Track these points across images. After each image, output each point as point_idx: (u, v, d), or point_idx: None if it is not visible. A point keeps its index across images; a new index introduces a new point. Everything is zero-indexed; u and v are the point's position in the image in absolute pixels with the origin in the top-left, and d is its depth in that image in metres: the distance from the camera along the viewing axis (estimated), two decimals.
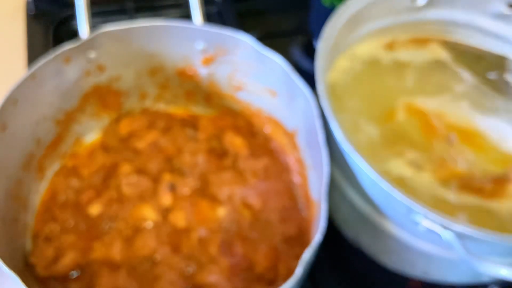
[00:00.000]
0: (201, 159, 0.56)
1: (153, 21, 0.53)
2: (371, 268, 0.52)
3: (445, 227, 0.41)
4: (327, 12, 0.56)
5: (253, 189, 0.54)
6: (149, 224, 0.51)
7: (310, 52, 0.73)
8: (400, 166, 0.50)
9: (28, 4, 0.75)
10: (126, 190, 0.53)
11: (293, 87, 0.50)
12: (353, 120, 0.54)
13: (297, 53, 0.74)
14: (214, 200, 0.53)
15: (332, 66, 0.57)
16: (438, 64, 0.59)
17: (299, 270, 0.39)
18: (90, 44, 0.51)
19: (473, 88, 0.57)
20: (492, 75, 0.58)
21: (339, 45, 0.56)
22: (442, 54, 0.60)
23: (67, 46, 0.50)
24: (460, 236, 0.40)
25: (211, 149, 0.57)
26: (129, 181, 0.53)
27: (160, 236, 0.50)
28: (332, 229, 0.53)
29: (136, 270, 0.49)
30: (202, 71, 0.57)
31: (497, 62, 0.60)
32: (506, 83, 0.58)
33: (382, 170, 0.48)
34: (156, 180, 0.54)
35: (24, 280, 0.38)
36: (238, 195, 0.53)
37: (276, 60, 0.50)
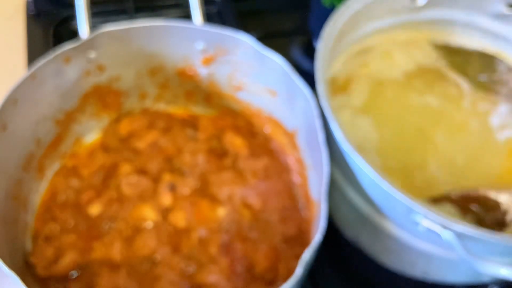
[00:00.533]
0: (201, 159, 0.56)
1: (153, 21, 0.53)
2: (371, 268, 0.52)
3: (445, 227, 0.40)
4: (327, 12, 0.56)
5: (253, 189, 0.54)
6: (149, 224, 0.51)
7: (310, 52, 0.72)
8: None
9: (28, 4, 0.74)
10: (126, 190, 0.53)
11: (293, 87, 0.50)
12: (353, 120, 0.54)
13: (297, 53, 0.74)
14: (214, 200, 0.53)
15: (332, 66, 0.57)
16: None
17: (299, 270, 0.39)
18: (90, 44, 0.51)
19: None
20: (482, 77, 0.58)
21: (339, 45, 0.56)
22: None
23: (67, 46, 0.50)
24: (460, 236, 0.40)
25: (211, 149, 0.57)
26: (129, 181, 0.53)
27: (160, 236, 0.50)
28: (332, 229, 0.53)
29: (136, 270, 0.49)
30: (202, 71, 0.57)
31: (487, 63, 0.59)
32: (495, 82, 0.58)
33: None
34: (156, 180, 0.54)
35: (24, 280, 0.38)
36: (238, 195, 0.53)
37: (276, 60, 0.50)
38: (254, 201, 0.53)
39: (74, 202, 0.52)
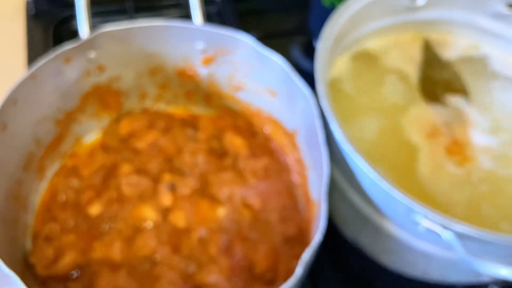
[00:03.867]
0: (201, 159, 0.56)
1: (153, 21, 0.53)
2: (371, 268, 0.52)
3: (445, 227, 0.41)
4: (327, 12, 0.56)
5: (253, 189, 0.54)
6: (149, 224, 0.51)
7: (310, 52, 0.73)
8: None
9: (28, 4, 0.75)
10: (126, 190, 0.53)
11: (293, 87, 0.50)
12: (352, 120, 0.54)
13: (297, 53, 0.74)
14: (214, 200, 0.53)
15: (332, 66, 0.57)
16: None
17: (299, 270, 0.39)
18: (90, 44, 0.51)
19: None
20: None
21: (339, 45, 0.56)
22: None
23: (67, 46, 0.50)
24: (460, 236, 0.40)
25: (211, 149, 0.58)
26: (129, 181, 0.53)
27: (160, 236, 0.50)
28: (332, 229, 0.53)
29: (136, 270, 0.49)
30: (202, 71, 0.57)
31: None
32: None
33: None
34: (156, 180, 0.54)
35: (24, 280, 0.38)
36: (238, 195, 0.53)
37: (276, 60, 0.50)
38: (254, 201, 0.53)
39: (74, 202, 0.53)
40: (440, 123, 0.54)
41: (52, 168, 0.55)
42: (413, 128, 0.54)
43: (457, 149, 0.53)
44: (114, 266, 0.48)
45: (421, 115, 0.55)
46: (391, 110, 0.55)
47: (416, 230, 0.43)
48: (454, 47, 0.61)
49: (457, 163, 0.52)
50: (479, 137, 0.54)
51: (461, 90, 0.57)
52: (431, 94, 0.56)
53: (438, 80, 0.58)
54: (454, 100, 0.56)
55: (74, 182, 0.54)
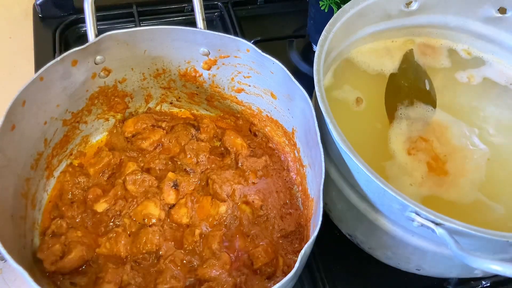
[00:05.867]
0: (203, 158, 0.57)
1: (158, 25, 0.54)
2: (367, 263, 0.53)
3: (438, 224, 0.41)
4: (325, 16, 0.56)
5: (254, 187, 0.55)
6: (153, 220, 0.53)
7: (308, 55, 0.74)
8: None
9: (35, 7, 0.76)
10: (131, 188, 0.54)
11: (292, 89, 0.51)
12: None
13: (296, 56, 0.75)
14: (216, 197, 0.54)
15: (329, 69, 0.58)
16: None
17: (298, 265, 0.39)
18: (96, 47, 0.52)
19: None
20: None
21: (337, 49, 0.57)
22: None
23: (74, 49, 0.50)
24: (452, 232, 0.41)
25: (213, 149, 0.59)
26: (134, 179, 0.55)
27: (164, 232, 0.52)
28: (329, 225, 0.54)
29: (141, 264, 0.50)
30: (205, 74, 0.59)
31: None
32: None
33: None
34: (160, 178, 0.55)
35: (32, 274, 0.39)
36: (239, 192, 0.55)
37: (275, 63, 0.51)
38: (255, 198, 0.54)
39: (81, 200, 0.54)
40: (420, 130, 0.56)
41: (60, 167, 0.56)
42: (394, 134, 0.55)
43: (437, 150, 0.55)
44: (119, 261, 0.50)
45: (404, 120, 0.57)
46: (379, 115, 0.57)
47: (410, 226, 0.44)
48: (444, 51, 0.63)
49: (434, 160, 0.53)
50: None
51: (430, 100, 0.58)
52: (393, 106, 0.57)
53: (405, 89, 0.59)
54: (425, 108, 0.58)
55: (81, 180, 0.55)
